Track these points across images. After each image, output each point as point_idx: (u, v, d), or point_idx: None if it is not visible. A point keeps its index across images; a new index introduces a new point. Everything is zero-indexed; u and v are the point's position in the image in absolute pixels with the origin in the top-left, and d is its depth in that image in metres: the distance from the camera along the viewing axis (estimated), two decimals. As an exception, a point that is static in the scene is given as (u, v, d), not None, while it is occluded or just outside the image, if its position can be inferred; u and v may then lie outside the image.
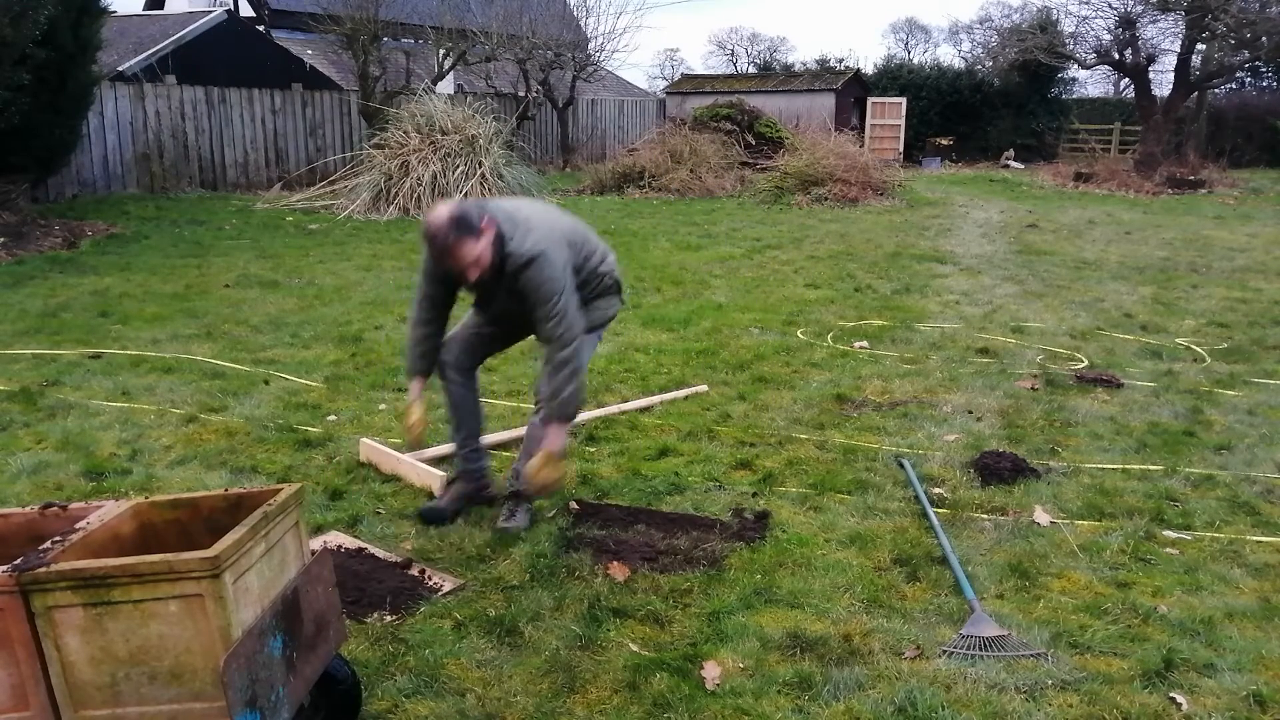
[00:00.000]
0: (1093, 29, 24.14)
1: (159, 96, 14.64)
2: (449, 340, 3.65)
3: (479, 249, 3.14)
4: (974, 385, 5.38)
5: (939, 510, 3.70)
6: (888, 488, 3.93)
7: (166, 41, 15.89)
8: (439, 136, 13.31)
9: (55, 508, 2.21)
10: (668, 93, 29.09)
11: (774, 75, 29.76)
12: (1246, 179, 20.38)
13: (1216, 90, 25.64)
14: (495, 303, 3.45)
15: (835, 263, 9.51)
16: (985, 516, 3.68)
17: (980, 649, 2.75)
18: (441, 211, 3.16)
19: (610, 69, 25.19)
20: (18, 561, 1.88)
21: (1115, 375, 5.58)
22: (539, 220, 3.34)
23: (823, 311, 7.24)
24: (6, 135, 10.55)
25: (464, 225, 3.11)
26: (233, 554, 1.86)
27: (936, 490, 3.91)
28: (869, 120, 25.46)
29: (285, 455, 4.24)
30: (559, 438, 3.25)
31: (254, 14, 21.94)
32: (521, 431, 4.39)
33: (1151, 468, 4.20)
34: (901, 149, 25.07)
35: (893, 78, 28.56)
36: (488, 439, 4.28)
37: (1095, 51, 22.02)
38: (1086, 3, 26.93)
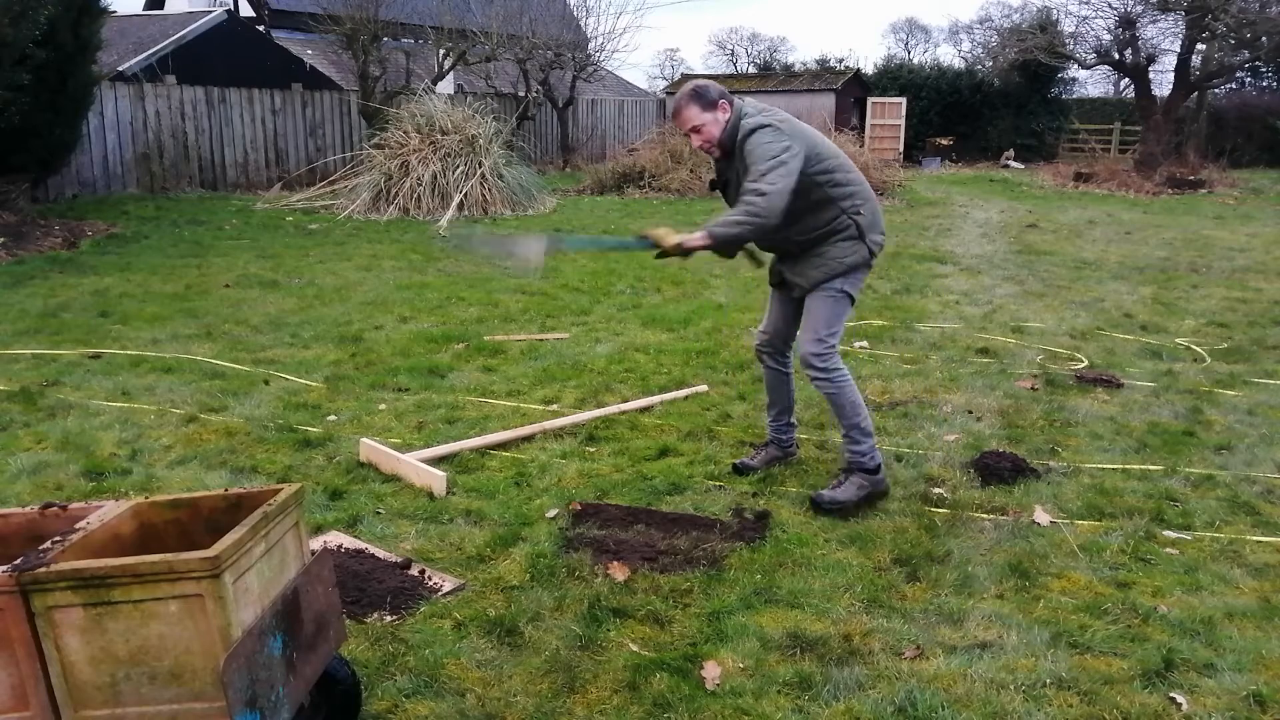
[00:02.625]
0: (1093, 29, 24.22)
1: (159, 96, 14.64)
2: (761, 329, 3.98)
3: (704, 118, 3.37)
4: (974, 385, 5.38)
5: (939, 510, 3.71)
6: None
7: (166, 41, 15.89)
8: (439, 136, 13.32)
9: (55, 508, 2.21)
10: (668, 93, 29.10)
11: (774, 75, 29.79)
12: (1246, 179, 20.37)
13: (1216, 90, 25.66)
14: (730, 190, 3.60)
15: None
16: (985, 516, 3.68)
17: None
18: (689, 83, 3.47)
19: (610, 69, 25.20)
20: (18, 561, 1.88)
21: (1115, 375, 5.58)
22: (788, 117, 3.47)
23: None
24: (6, 135, 10.55)
25: (699, 95, 3.40)
26: (233, 554, 1.86)
27: (937, 490, 3.91)
28: (869, 120, 25.46)
29: (285, 455, 4.23)
30: (700, 241, 3.39)
31: (254, 14, 21.95)
32: (523, 431, 4.46)
33: (1151, 468, 4.20)
34: (901, 149, 25.06)
35: (893, 78, 28.55)
36: (489, 439, 4.33)
37: (1095, 51, 22.03)
38: (1086, 3, 26.99)
